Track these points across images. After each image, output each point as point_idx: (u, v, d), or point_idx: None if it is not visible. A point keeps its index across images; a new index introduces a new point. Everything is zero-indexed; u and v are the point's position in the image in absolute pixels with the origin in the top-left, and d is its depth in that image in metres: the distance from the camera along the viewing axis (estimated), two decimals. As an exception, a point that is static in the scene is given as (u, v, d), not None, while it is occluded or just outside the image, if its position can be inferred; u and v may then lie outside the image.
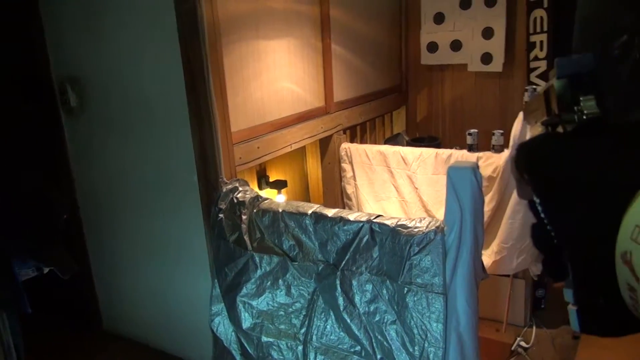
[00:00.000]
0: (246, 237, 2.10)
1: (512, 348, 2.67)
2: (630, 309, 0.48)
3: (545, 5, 3.04)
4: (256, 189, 2.80)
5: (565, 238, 0.55)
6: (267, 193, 2.83)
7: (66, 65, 2.47)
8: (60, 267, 1.19)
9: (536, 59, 3.19)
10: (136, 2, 2.15)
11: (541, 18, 3.09)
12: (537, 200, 0.57)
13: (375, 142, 3.59)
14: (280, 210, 2.04)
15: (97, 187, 2.60)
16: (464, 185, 1.64)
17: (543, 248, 0.59)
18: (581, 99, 0.62)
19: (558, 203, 0.56)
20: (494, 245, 2.64)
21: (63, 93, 2.46)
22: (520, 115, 2.47)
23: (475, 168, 1.64)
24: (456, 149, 2.82)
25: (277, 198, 2.76)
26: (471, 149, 2.76)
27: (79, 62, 2.43)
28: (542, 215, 0.57)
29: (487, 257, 2.67)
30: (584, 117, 0.61)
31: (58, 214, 1.22)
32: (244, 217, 2.12)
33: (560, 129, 0.66)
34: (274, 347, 2.09)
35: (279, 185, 2.87)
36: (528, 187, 0.60)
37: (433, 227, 1.73)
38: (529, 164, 0.61)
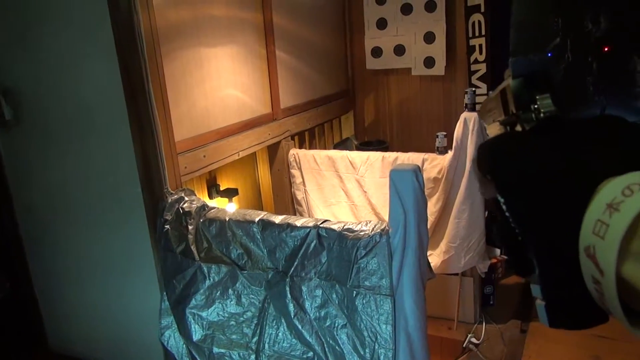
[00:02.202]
0: (193, 248, 2.07)
1: (464, 345, 2.73)
2: (597, 302, 0.50)
3: (482, 9, 3.14)
4: (206, 198, 2.77)
5: (529, 234, 0.57)
6: (218, 202, 2.80)
7: (-1, 76, 2.37)
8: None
9: (476, 61, 3.29)
10: (71, 11, 2.08)
11: (479, 22, 3.19)
12: (501, 200, 0.59)
13: (324, 147, 3.62)
14: (227, 219, 2.02)
15: (37, 202, 2.50)
16: (406, 188, 1.67)
17: (508, 245, 0.60)
18: (537, 97, 0.64)
19: (521, 200, 0.57)
20: (442, 245, 2.70)
21: (-4, 106, 2.36)
22: (462, 117, 2.55)
23: (416, 170, 1.67)
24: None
25: (228, 207, 2.74)
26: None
27: (13, 73, 2.33)
28: (506, 213, 0.59)
29: (437, 257, 2.73)
30: (541, 115, 0.64)
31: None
32: (190, 227, 2.09)
33: (519, 128, 0.68)
34: (226, 358, 2.07)
35: (230, 193, 2.85)
36: (491, 186, 0.61)
37: (378, 230, 1.75)
38: (490, 163, 0.63)
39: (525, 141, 0.62)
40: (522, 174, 0.58)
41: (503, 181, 0.60)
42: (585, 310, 0.57)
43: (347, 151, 3.02)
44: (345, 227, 1.82)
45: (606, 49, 3.33)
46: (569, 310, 0.58)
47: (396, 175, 1.67)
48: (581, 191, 0.51)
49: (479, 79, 3.29)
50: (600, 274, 0.47)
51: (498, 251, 3.29)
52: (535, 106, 0.65)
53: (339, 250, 1.82)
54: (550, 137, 0.60)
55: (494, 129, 0.76)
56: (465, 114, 2.54)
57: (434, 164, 2.67)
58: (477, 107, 3.32)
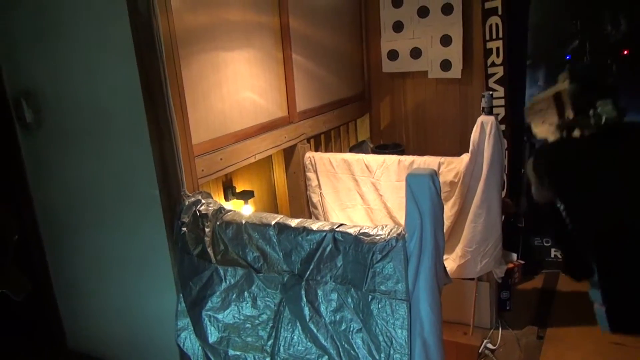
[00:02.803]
0: (210, 250, 2.08)
1: (480, 350, 2.71)
2: None
3: (500, 12, 3.12)
4: (222, 200, 2.79)
5: (590, 236, 0.57)
6: (234, 204, 2.81)
7: (20, 79, 2.41)
8: (12, 289, 1.15)
9: (493, 64, 3.26)
10: (90, 14, 2.11)
11: (496, 25, 3.17)
12: (560, 206, 0.59)
13: (340, 150, 3.62)
14: (244, 222, 2.03)
15: (56, 204, 2.54)
16: (422, 192, 1.66)
17: (565, 249, 0.60)
18: (598, 103, 0.64)
19: (582, 204, 0.58)
20: (458, 250, 2.68)
21: (18, 108, 2.40)
22: (479, 121, 2.53)
23: (433, 175, 1.67)
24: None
25: (243, 209, 2.75)
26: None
27: (34, 76, 2.37)
28: (565, 215, 0.59)
29: (452, 262, 2.71)
30: (602, 120, 0.64)
31: (8, 235, 1.19)
32: (207, 229, 2.10)
33: (576, 133, 0.68)
34: (241, 360, 2.07)
35: (246, 195, 2.86)
36: (546, 190, 0.61)
37: (394, 234, 1.74)
38: (550, 167, 0.63)
39: (585, 146, 0.62)
40: (583, 178, 0.58)
41: (562, 184, 0.59)
42: None
43: (363, 154, 3.02)
44: (361, 231, 1.82)
45: (625, 52, 3.29)
46: (631, 314, 0.57)
47: (413, 180, 1.67)
48: None
49: (496, 82, 3.26)
50: None
51: (515, 256, 3.26)
52: (596, 111, 0.65)
53: (355, 254, 1.81)
54: (612, 143, 0.60)
55: (543, 130, 0.76)
56: (482, 118, 2.52)
57: (450, 168, 2.65)
58: (493, 110, 3.31)
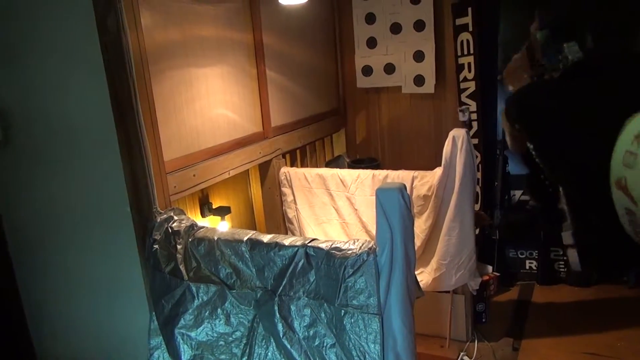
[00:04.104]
0: (182, 267, 2.06)
1: (456, 363, 2.72)
2: (631, 235, 0.51)
3: (471, 28, 3.18)
4: (199, 216, 2.77)
5: (560, 177, 0.58)
6: (211, 220, 2.80)
7: (-12, 97, 2.38)
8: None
9: (465, 79, 3.32)
10: (59, 33, 2.10)
11: (467, 41, 3.23)
12: (531, 147, 0.60)
13: (316, 165, 3.63)
14: (216, 238, 2.02)
15: (25, 222, 2.49)
16: (392, 206, 1.68)
17: (538, 197, 0.61)
18: (565, 45, 0.66)
19: (551, 142, 0.59)
20: (433, 263, 2.70)
21: (-14, 126, 2.37)
22: (451, 135, 2.56)
23: (402, 189, 1.68)
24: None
25: (220, 225, 2.74)
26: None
27: (2, 93, 2.34)
28: (537, 160, 0.59)
29: (427, 275, 2.73)
30: (569, 60, 0.65)
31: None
32: (179, 246, 2.08)
33: (546, 77, 0.69)
34: (215, 378, 2.05)
35: (223, 211, 2.85)
36: (519, 139, 0.62)
37: (366, 249, 1.75)
38: (520, 112, 0.64)
39: (553, 85, 0.63)
40: (551, 116, 0.59)
41: (532, 126, 0.60)
42: (615, 254, 0.57)
43: (338, 169, 3.04)
44: (333, 245, 1.82)
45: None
46: (600, 253, 0.58)
47: (382, 194, 1.68)
48: (609, 127, 0.51)
49: (469, 96, 3.31)
50: (634, 203, 0.47)
51: (490, 268, 3.30)
52: (563, 54, 0.66)
53: (327, 269, 1.81)
54: (578, 80, 0.61)
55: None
56: (453, 132, 2.55)
57: (423, 182, 2.68)
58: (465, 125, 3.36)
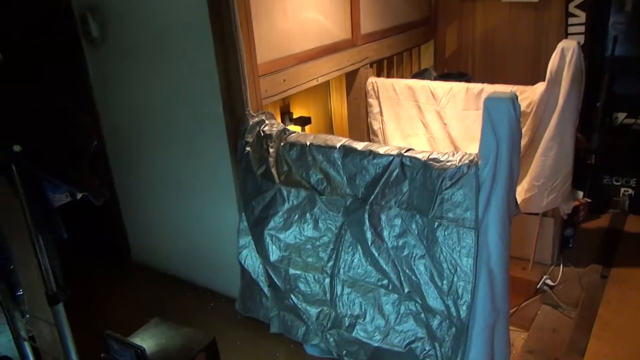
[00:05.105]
0: (274, 171, 2.08)
1: (538, 286, 2.66)
2: None
3: None
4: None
5: None
6: (291, 129, 2.79)
7: (86, -7, 2.39)
8: (92, 192, 1.18)
9: (576, -13, 3.00)
10: None
11: (584, -58, 2.88)
12: None
13: (402, 77, 3.48)
14: (308, 144, 2.00)
15: (121, 120, 2.58)
16: (501, 117, 1.57)
17: None
18: None
19: None
20: (525, 183, 2.58)
21: (84, 23, 2.40)
22: (559, 47, 2.35)
23: (514, 99, 1.57)
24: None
25: (301, 134, 2.72)
26: None
27: (99, -10, 2.35)
28: None
29: (517, 195, 2.62)
30: None
31: (86, 138, 1.20)
32: (271, 150, 2.09)
33: None
34: (302, 279, 2.11)
35: (303, 121, 2.82)
36: None
37: (466, 161, 1.68)
38: None
39: None
40: None
41: None
42: None
43: (429, 81, 2.90)
44: (431, 156, 1.75)
45: None
46: None
47: (491, 104, 1.57)
48: None
49: (578, 6, 3.01)
50: None
51: (581, 194, 3.13)
52: None
53: (423, 180, 1.76)
54: None
55: None
56: (563, 43, 2.34)
57: (523, 97, 2.50)
58: (570, 38, 3.08)
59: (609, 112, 3.22)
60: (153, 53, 2.31)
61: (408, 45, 3.47)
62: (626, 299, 2.50)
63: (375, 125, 3.03)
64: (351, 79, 3.01)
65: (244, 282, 2.34)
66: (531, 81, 2.56)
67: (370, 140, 3.10)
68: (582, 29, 3.03)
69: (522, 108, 2.50)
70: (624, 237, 3.05)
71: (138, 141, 2.56)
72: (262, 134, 2.11)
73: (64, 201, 1.24)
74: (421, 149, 2.87)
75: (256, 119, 2.13)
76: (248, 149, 2.10)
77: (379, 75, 3.20)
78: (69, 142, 1.17)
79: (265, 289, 2.25)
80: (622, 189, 3.32)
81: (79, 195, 1.23)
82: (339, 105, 3.25)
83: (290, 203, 2.07)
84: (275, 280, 2.17)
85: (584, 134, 3.16)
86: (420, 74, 3.66)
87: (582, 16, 3.01)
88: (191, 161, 2.39)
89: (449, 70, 3.70)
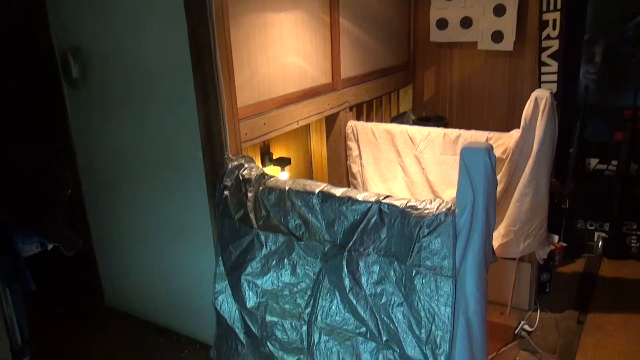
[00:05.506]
0: (252, 215, 2.07)
1: (516, 331, 2.65)
2: None
3: (560, -18, 2.96)
4: (259, 166, 2.76)
5: None
6: (271, 170, 2.79)
7: (68, 34, 2.40)
8: (65, 244, 1.15)
9: (548, 37, 3.11)
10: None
11: (555, -5, 3.01)
12: None
13: (381, 121, 3.54)
14: (287, 189, 2.00)
15: (99, 162, 2.55)
16: (477, 167, 1.59)
17: None
18: None
19: None
20: (501, 228, 2.60)
21: (65, 63, 2.40)
22: (533, 96, 2.42)
23: (490, 149, 1.59)
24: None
25: (280, 175, 2.73)
26: None
27: (81, 31, 2.36)
28: None
29: (494, 240, 2.63)
30: None
31: (61, 188, 1.18)
32: (249, 194, 2.08)
33: None
34: (278, 326, 2.07)
35: (283, 162, 2.83)
36: None
37: (444, 209, 1.69)
38: None
39: None
40: None
41: None
42: None
43: (407, 126, 2.94)
44: (409, 204, 1.76)
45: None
46: None
47: (467, 154, 1.60)
48: None
49: (550, 56, 3.11)
50: None
51: (556, 238, 3.18)
52: None
53: (401, 227, 1.77)
54: None
55: None
56: (536, 92, 2.40)
57: (498, 144, 2.56)
58: (543, 86, 3.17)
59: (582, 158, 3.30)
60: (134, 96, 2.32)
61: (387, 89, 3.54)
62: (602, 346, 2.51)
63: (355, 169, 3.05)
64: (331, 122, 3.05)
65: (219, 328, 2.29)
66: (507, 126, 2.62)
67: (349, 183, 3.12)
68: (554, 77, 3.13)
69: (498, 154, 2.56)
70: (599, 282, 3.08)
71: (115, 184, 2.53)
72: (241, 178, 2.10)
73: (34, 252, 1.21)
74: (400, 193, 2.93)
75: (235, 163, 2.13)
76: (226, 193, 2.09)
77: (358, 118, 3.24)
78: (44, 192, 1.15)
79: (242, 336, 2.21)
80: (596, 233, 3.38)
81: (50, 246, 1.20)
82: (318, 147, 3.27)
83: (268, 248, 2.05)
84: (252, 327, 2.13)
85: (558, 179, 3.23)
86: (399, 117, 3.72)
87: (554, 65, 3.12)
88: (169, 205, 2.37)
89: (427, 114, 3.77)
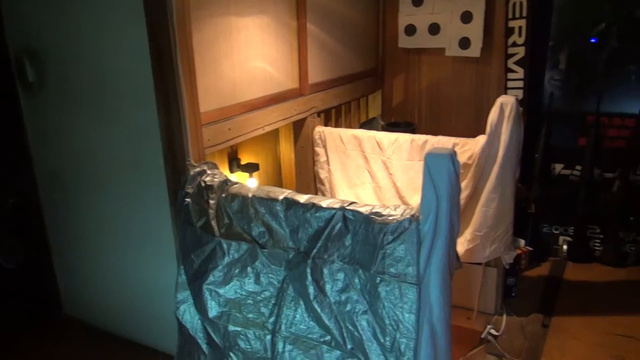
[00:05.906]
0: (214, 223, 2.02)
1: (482, 336, 2.67)
2: None
3: (525, -10, 3.00)
4: (227, 172, 2.72)
5: None
6: (239, 176, 2.75)
7: (23, 36, 2.32)
8: (3, 256, 1.09)
9: (514, 44, 3.15)
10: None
11: (520, 3, 3.05)
12: None
13: (349, 126, 3.52)
14: (250, 196, 1.96)
15: (57, 168, 2.47)
16: (441, 173, 1.58)
17: None
18: None
19: None
20: (467, 234, 2.61)
21: (20, 67, 2.32)
22: (498, 102, 2.44)
23: (453, 156, 1.59)
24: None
25: (248, 181, 2.69)
26: None
27: (38, 33, 2.28)
28: None
29: (460, 245, 2.65)
30: None
31: (2, 199, 1.12)
32: (211, 201, 2.03)
33: None
34: (242, 336, 2.02)
35: (251, 168, 2.79)
36: None
37: (408, 216, 1.67)
38: None
39: None
40: None
41: None
42: None
43: (375, 131, 2.93)
44: (373, 210, 1.74)
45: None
46: None
47: (431, 160, 1.59)
48: None
49: (516, 62, 3.15)
50: None
51: (522, 242, 3.21)
52: None
53: (365, 234, 1.75)
54: None
55: None
56: (501, 98, 2.43)
57: (464, 149, 2.57)
58: (509, 92, 3.21)
59: (547, 163, 3.35)
60: (93, 99, 2.25)
61: (356, 95, 3.53)
62: (567, 348, 2.53)
63: (322, 174, 3.03)
64: (299, 128, 3.02)
65: (181, 339, 2.23)
66: (475, 132, 2.63)
67: (317, 189, 3.09)
68: (520, 84, 3.17)
69: (464, 160, 2.57)
70: (564, 286, 3.12)
71: (75, 189, 2.45)
72: (203, 185, 2.05)
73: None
74: (367, 199, 2.92)
75: (197, 169, 2.08)
76: (188, 200, 2.04)
77: (327, 124, 3.22)
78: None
79: (204, 347, 2.15)
80: (561, 237, 3.42)
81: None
82: (287, 152, 3.24)
83: (231, 256, 2.00)
84: (214, 337, 2.08)
85: (524, 184, 3.26)
86: (368, 123, 3.72)
87: (520, 72, 3.16)
88: (130, 212, 2.30)
89: (396, 119, 3.78)
